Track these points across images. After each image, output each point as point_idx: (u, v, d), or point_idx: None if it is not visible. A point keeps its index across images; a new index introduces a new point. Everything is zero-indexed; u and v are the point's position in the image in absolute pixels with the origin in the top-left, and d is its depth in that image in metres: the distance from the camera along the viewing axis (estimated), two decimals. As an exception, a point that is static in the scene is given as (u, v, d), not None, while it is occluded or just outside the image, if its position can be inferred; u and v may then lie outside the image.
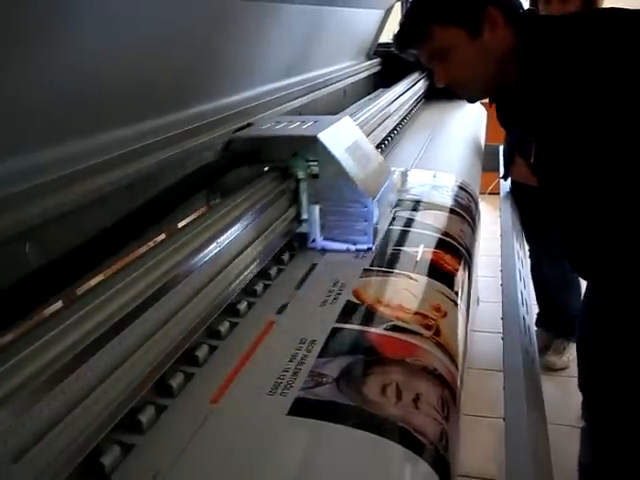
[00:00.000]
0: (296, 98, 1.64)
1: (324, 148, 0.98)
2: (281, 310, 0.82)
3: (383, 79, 2.72)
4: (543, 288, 2.35)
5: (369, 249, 1.01)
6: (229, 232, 0.80)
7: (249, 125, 1.20)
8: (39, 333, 0.50)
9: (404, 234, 1.12)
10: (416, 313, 0.83)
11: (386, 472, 0.55)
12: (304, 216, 1.04)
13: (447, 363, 0.75)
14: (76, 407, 0.49)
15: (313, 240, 1.03)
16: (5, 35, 0.61)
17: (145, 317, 0.61)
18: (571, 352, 2.31)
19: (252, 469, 0.52)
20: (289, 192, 1.02)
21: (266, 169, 1.05)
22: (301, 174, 1.02)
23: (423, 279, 0.95)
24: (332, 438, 0.56)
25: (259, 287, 0.87)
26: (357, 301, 0.85)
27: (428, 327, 0.80)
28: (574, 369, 2.23)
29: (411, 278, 0.95)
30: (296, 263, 0.99)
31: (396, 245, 1.07)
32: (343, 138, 1.08)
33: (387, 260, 1.00)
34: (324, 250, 1.02)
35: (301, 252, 1.03)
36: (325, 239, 1.03)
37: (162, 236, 0.87)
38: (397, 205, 1.26)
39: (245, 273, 0.83)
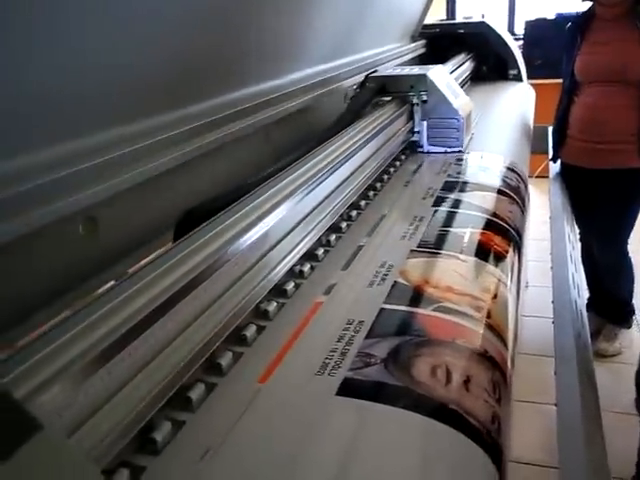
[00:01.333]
0: (343, 80, 1.67)
1: (431, 82, 1.46)
2: (328, 291, 0.82)
3: (429, 61, 2.70)
4: (594, 272, 2.29)
5: (460, 151, 1.48)
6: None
7: (375, 71, 1.70)
8: (93, 310, 0.51)
9: (452, 215, 1.12)
10: (466, 294, 0.82)
11: (436, 455, 0.54)
12: (416, 129, 1.50)
13: (498, 345, 0.74)
14: (128, 383, 0.50)
15: (421, 146, 1.51)
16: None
17: (195, 294, 0.62)
18: (623, 338, 2.27)
19: (300, 449, 0.52)
20: (407, 112, 1.48)
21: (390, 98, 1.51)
22: (415, 100, 1.48)
23: (472, 260, 0.94)
24: (381, 419, 0.56)
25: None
26: (405, 282, 0.84)
27: (478, 309, 0.79)
28: (626, 356, 2.21)
29: (460, 259, 0.94)
30: (410, 160, 1.47)
31: (444, 226, 1.06)
32: (442, 77, 1.54)
33: (435, 241, 0.99)
34: (429, 153, 1.50)
35: (412, 155, 1.51)
36: (430, 144, 1.50)
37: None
38: (444, 188, 1.27)
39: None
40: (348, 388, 0.59)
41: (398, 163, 1.43)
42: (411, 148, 1.53)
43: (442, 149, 1.47)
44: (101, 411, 0.47)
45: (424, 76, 1.45)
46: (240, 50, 1.13)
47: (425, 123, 1.47)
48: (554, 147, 2.23)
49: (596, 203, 2.10)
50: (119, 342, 0.50)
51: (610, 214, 2.12)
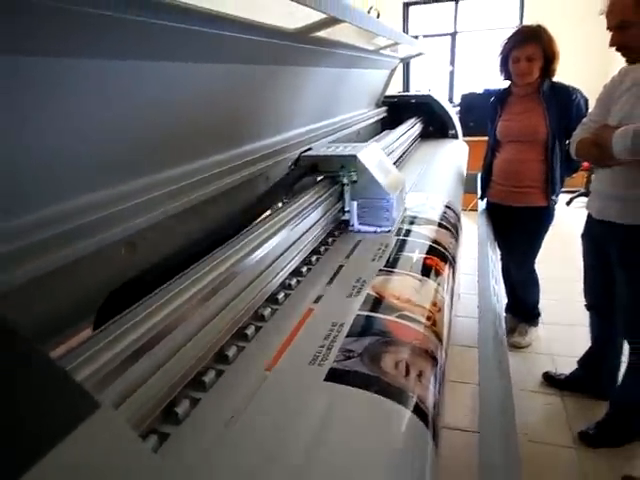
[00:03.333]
0: (324, 137, 1.67)
1: (361, 163, 1.18)
2: (317, 300, 0.83)
3: (388, 123, 2.73)
4: (510, 284, 2.32)
5: (389, 230, 1.17)
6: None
7: (309, 149, 1.39)
8: (133, 315, 0.52)
9: (406, 242, 1.13)
10: (419, 306, 0.83)
11: (394, 427, 0.55)
12: (347, 208, 1.22)
13: (439, 347, 0.75)
14: (156, 371, 0.51)
15: (352, 225, 1.21)
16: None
17: (208, 304, 0.63)
18: (532, 334, 2.29)
19: (297, 419, 0.53)
20: (337, 193, 1.20)
21: (321, 178, 1.25)
22: (345, 180, 1.20)
23: (424, 279, 0.95)
24: (356, 400, 0.56)
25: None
26: (375, 294, 0.84)
27: (427, 317, 0.80)
28: (533, 347, 2.24)
29: (415, 278, 0.94)
30: (342, 239, 1.16)
31: (401, 251, 1.07)
32: (373, 157, 1.26)
33: (396, 263, 0.99)
34: (359, 232, 1.20)
35: (344, 233, 1.20)
36: (360, 224, 1.21)
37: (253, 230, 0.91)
38: (403, 221, 1.27)
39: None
40: (333, 375, 0.60)
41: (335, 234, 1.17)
42: (340, 228, 1.22)
43: (372, 228, 1.18)
44: (137, 392, 0.48)
45: (354, 157, 1.17)
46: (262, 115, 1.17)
47: (355, 203, 1.19)
48: (482, 189, 2.25)
49: (512, 232, 2.12)
50: (151, 341, 0.51)
51: (522, 241, 2.15)
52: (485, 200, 2.24)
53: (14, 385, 0.26)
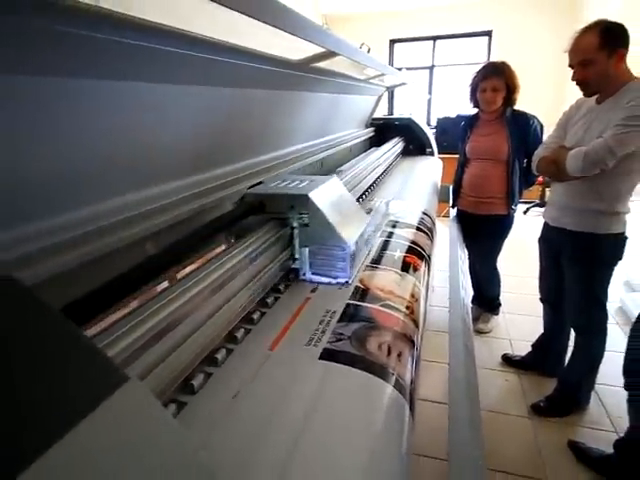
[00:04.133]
0: (320, 152, 1.65)
1: (313, 204, 0.84)
2: (314, 290, 0.82)
3: (375, 141, 2.73)
4: (476, 279, 2.32)
5: (347, 282, 0.84)
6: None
7: (260, 183, 1.00)
8: (159, 299, 0.51)
9: (390, 242, 1.11)
10: (399, 296, 0.83)
11: (377, 398, 0.55)
12: (297, 256, 0.88)
13: (416, 332, 0.75)
14: (175, 350, 0.51)
15: (304, 274, 0.88)
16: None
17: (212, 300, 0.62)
18: (493, 322, 2.30)
19: (296, 390, 0.53)
20: (286, 237, 0.87)
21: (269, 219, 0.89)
22: (295, 223, 0.87)
23: (404, 274, 0.94)
24: (346, 375, 0.57)
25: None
26: (362, 286, 0.84)
27: (406, 306, 0.80)
28: (494, 333, 2.24)
29: (396, 273, 0.94)
30: (292, 291, 0.83)
31: (385, 250, 1.05)
32: (330, 194, 0.92)
33: (380, 260, 0.99)
34: (311, 282, 0.86)
35: (295, 283, 0.86)
36: (313, 274, 0.87)
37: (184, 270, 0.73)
38: (387, 225, 1.25)
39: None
40: (326, 355, 0.60)
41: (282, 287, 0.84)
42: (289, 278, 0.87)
43: (327, 279, 0.85)
44: (159, 367, 0.47)
45: (305, 197, 0.84)
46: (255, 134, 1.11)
47: (307, 250, 0.86)
48: (453, 199, 2.25)
49: (478, 236, 2.12)
50: (171, 324, 0.51)
51: (486, 244, 2.16)
52: (456, 208, 2.24)
53: (53, 359, 0.26)
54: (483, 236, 2.12)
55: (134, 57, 0.54)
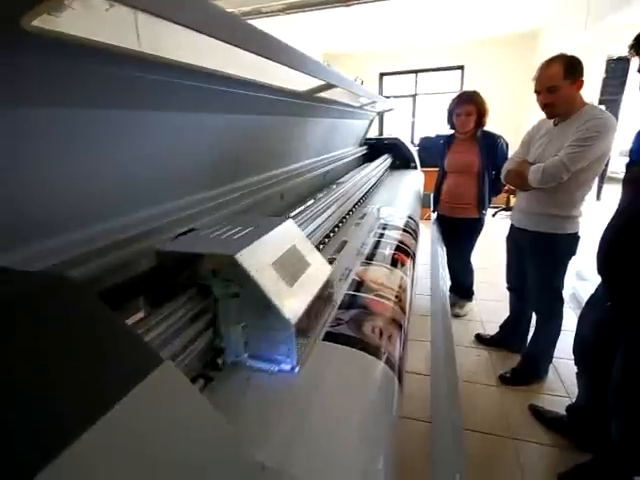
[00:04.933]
0: (323, 166, 1.64)
1: (242, 269, 0.49)
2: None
3: (368, 158, 2.72)
4: (453, 272, 2.29)
5: (293, 369, 0.51)
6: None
7: (191, 230, 0.64)
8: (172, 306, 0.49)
9: (381, 241, 1.10)
10: (389, 287, 0.82)
11: (371, 373, 0.54)
12: (224, 335, 0.53)
13: (403, 317, 0.74)
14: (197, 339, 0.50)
15: (237, 356, 0.53)
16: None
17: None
18: (468, 307, 2.28)
19: (303, 367, 0.52)
20: (210, 311, 0.51)
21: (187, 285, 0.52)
22: (219, 293, 0.51)
23: (393, 269, 0.93)
24: (345, 354, 0.56)
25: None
26: (358, 279, 0.83)
27: (395, 296, 0.79)
28: (469, 316, 2.22)
29: (387, 267, 0.93)
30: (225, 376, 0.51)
31: (376, 248, 1.04)
32: (272, 250, 0.57)
33: (373, 257, 0.98)
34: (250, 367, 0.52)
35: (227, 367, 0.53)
36: (250, 357, 0.53)
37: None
38: (379, 227, 1.24)
39: None
40: (329, 337, 0.59)
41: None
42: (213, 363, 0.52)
43: (267, 366, 0.51)
44: (188, 349, 0.47)
45: (229, 259, 0.49)
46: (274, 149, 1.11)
47: (240, 326, 0.51)
48: (433, 205, 2.23)
49: (454, 236, 2.09)
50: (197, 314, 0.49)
51: (461, 242, 2.14)
52: (436, 213, 2.22)
53: (98, 343, 0.25)
54: (459, 236, 2.10)
55: (161, 90, 0.54)
